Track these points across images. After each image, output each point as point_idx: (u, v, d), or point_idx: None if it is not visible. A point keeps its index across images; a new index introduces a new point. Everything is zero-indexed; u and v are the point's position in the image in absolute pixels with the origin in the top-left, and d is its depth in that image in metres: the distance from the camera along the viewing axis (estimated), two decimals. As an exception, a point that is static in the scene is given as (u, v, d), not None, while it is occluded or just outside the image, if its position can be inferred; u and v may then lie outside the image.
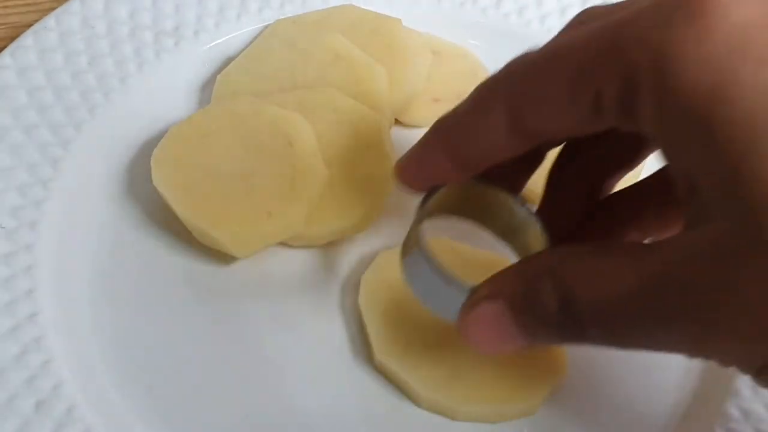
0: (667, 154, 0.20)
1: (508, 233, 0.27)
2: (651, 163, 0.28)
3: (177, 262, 0.30)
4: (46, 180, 0.30)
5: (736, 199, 0.18)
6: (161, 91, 0.34)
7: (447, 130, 0.24)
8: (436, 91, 0.36)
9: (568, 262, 0.21)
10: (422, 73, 0.35)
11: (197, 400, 0.27)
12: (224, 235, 0.28)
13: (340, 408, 0.27)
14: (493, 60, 0.38)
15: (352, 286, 0.30)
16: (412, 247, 0.25)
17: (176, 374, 0.27)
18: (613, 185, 0.27)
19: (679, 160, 0.20)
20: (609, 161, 0.26)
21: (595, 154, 0.26)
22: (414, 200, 0.25)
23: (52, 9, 0.36)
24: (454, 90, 0.36)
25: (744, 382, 0.28)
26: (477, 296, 0.23)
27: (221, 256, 0.30)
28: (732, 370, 0.21)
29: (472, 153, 0.24)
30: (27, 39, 0.34)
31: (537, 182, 0.27)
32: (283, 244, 0.30)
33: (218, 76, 0.34)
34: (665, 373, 0.29)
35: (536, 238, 0.25)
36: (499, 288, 0.22)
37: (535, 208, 0.26)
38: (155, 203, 0.30)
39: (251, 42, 0.36)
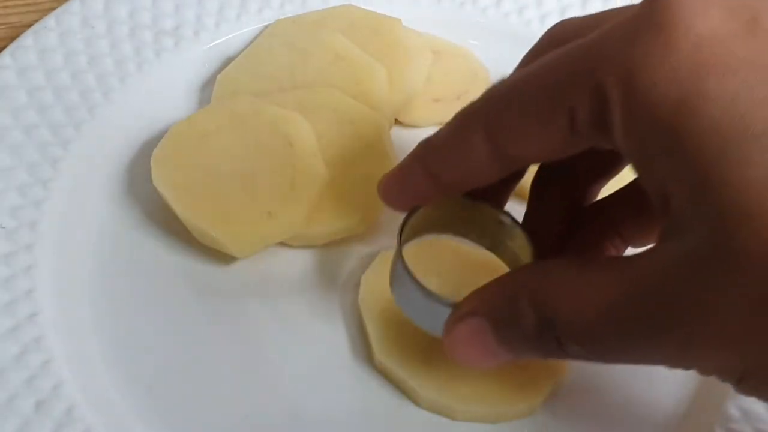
0: (638, 167, 0.20)
1: (495, 246, 0.27)
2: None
3: (177, 262, 0.30)
4: (46, 180, 0.30)
5: (706, 206, 0.18)
6: (161, 91, 0.34)
7: (428, 156, 0.24)
8: (436, 91, 0.36)
9: (546, 278, 0.21)
10: (422, 73, 0.35)
11: (197, 400, 0.27)
12: (224, 235, 0.28)
13: (340, 408, 0.27)
14: (493, 60, 0.38)
15: (352, 286, 0.30)
16: (396, 269, 0.25)
17: (176, 374, 0.27)
18: (596, 193, 0.27)
19: (652, 173, 0.20)
20: (590, 170, 0.27)
21: (576, 164, 0.26)
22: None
23: (52, 9, 0.36)
24: (454, 90, 0.36)
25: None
26: (459, 313, 0.23)
27: (221, 256, 0.30)
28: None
29: (455, 178, 0.24)
30: (27, 39, 0.34)
31: (527, 178, 0.27)
32: (283, 244, 0.30)
33: (218, 76, 0.34)
34: (665, 373, 0.28)
35: (523, 249, 0.26)
36: (479, 304, 0.23)
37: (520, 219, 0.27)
38: (155, 203, 0.30)
39: (251, 42, 0.36)
